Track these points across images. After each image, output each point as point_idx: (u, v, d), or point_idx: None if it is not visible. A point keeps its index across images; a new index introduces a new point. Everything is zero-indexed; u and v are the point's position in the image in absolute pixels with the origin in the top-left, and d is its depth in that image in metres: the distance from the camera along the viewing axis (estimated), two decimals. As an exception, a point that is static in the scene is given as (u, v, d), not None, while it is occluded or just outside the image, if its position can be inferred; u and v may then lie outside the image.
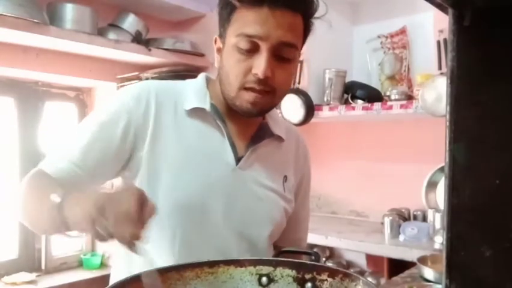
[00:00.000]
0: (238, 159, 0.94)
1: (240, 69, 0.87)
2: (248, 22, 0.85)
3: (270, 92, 0.89)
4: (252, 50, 0.86)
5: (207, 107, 0.93)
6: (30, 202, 0.84)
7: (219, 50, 0.93)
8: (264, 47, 0.85)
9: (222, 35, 0.91)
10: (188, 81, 0.99)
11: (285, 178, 1.02)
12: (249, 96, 0.88)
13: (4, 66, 2.02)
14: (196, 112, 0.93)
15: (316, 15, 0.93)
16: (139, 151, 0.90)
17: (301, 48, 0.93)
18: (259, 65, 0.85)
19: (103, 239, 0.67)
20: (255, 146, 0.96)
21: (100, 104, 2.48)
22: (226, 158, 0.93)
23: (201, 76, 1.00)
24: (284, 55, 0.88)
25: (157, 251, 0.90)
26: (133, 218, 0.65)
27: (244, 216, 0.95)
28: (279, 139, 1.02)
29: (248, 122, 0.97)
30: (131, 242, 0.64)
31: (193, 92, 0.95)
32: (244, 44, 0.85)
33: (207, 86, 0.97)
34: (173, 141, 0.91)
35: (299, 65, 2.20)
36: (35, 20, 1.77)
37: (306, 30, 0.92)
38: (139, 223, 0.65)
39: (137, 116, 0.90)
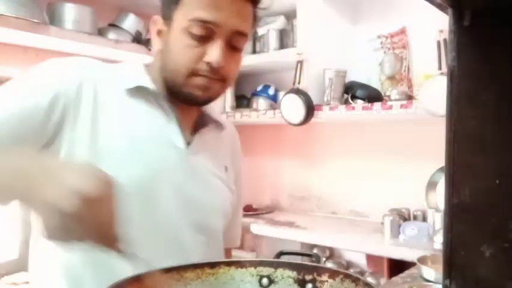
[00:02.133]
0: (186, 144, 0.89)
1: (190, 56, 0.82)
2: (203, 6, 0.80)
3: (220, 81, 0.85)
4: (206, 36, 0.81)
5: (151, 86, 0.86)
6: None
7: (160, 33, 0.87)
8: (219, 34, 0.81)
9: (168, 17, 0.84)
10: (122, 63, 0.92)
11: (226, 168, 0.99)
12: (200, 81, 0.83)
13: (4, 66, 2.02)
14: (138, 92, 0.86)
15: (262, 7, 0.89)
16: (70, 130, 0.79)
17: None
18: (214, 53, 0.81)
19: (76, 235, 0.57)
20: (200, 130, 0.92)
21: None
22: (174, 142, 0.87)
23: (135, 58, 0.95)
24: (236, 44, 0.84)
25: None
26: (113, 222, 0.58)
27: (197, 205, 0.89)
28: (219, 127, 0.99)
29: (189, 109, 0.92)
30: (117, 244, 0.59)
31: (132, 71, 0.88)
32: (197, 30, 0.80)
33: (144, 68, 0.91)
34: (116, 122, 0.83)
35: (299, 64, 2.20)
36: (35, 20, 1.77)
37: (254, 21, 0.89)
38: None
39: (70, 89, 0.79)
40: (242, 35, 0.84)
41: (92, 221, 0.57)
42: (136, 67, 0.90)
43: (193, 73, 0.83)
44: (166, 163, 0.86)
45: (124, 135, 0.83)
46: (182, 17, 0.82)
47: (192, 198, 0.89)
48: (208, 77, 0.83)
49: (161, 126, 0.87)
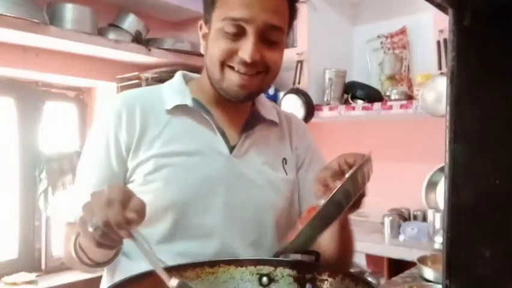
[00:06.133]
0: (231, 149, 0.92)
1: (223, 51, 0.86)
2: (233, 6, 0.84)
3: (261, 73, 0.88)
4: (239, 34, 0.85)
5: (189, 102, 0.92)
6: (68, 254, 0.85)
7: (205, 36, 0.92)
8: (250, 31, 0.84)
9: (208, 21, 0.90)
10: (166, 83, 0.99)
11: (285, 161, 1.00)
12: (235, 78, 0.87)
13: (4, 66, 2.02)
14: (178, 110, 0.92)
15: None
16: (130, 161, 0.90)
17: (287, 33, 0.92)
18: (246, 48, 0.84)
19: (102, 240, 0.64)
20: (247, 132, 0.95)
21: (97, 111, 2.48)
22: (218, 149, 0.91)
23: (178, 74, 0.99)
24: (271, 38, 0.87)
25: (155, 251, 0.86)
26: (118, 202, 0.63)
27: (246, 205, 0.92)
28: (273, 123, 1.00)
29: (238, 109, 0.96)
30: (120, 227, 0.62)
31: (172, 92, 0.95)
32: (230, 28, 0.84)
33: (185, 83, 0.97)
34: (161, 143, 0.89)
35: (299, 64, 2.20)
36: (35, 20, 1.77)
37: (292, 14, 0.91)
38: (126, 208, 0.64)
39: (123, 135, 0.89)
40: (275, 28, 0.86)
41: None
42: (175, 85, 0.96)
43: (228, 67, 0.87)
44: (212, 171, 0.90)
45: (168, 153, 0.89)
46: (217, 19, 0.87)
47: (239, 201, 0.91)
48: (243, 73, 0.86)
49: (205, 136, 0.92)
